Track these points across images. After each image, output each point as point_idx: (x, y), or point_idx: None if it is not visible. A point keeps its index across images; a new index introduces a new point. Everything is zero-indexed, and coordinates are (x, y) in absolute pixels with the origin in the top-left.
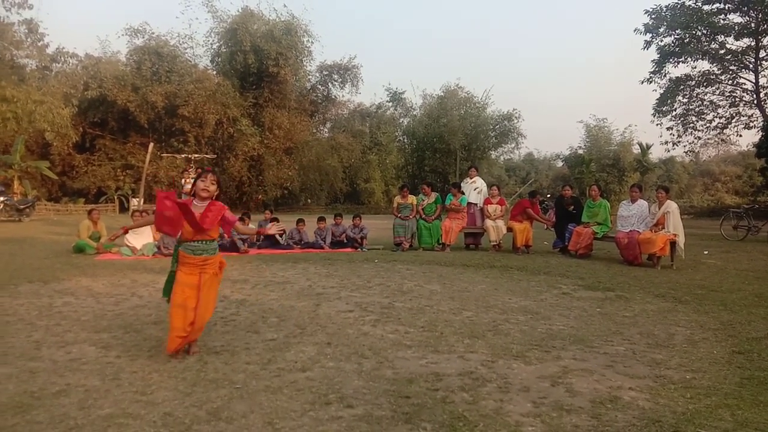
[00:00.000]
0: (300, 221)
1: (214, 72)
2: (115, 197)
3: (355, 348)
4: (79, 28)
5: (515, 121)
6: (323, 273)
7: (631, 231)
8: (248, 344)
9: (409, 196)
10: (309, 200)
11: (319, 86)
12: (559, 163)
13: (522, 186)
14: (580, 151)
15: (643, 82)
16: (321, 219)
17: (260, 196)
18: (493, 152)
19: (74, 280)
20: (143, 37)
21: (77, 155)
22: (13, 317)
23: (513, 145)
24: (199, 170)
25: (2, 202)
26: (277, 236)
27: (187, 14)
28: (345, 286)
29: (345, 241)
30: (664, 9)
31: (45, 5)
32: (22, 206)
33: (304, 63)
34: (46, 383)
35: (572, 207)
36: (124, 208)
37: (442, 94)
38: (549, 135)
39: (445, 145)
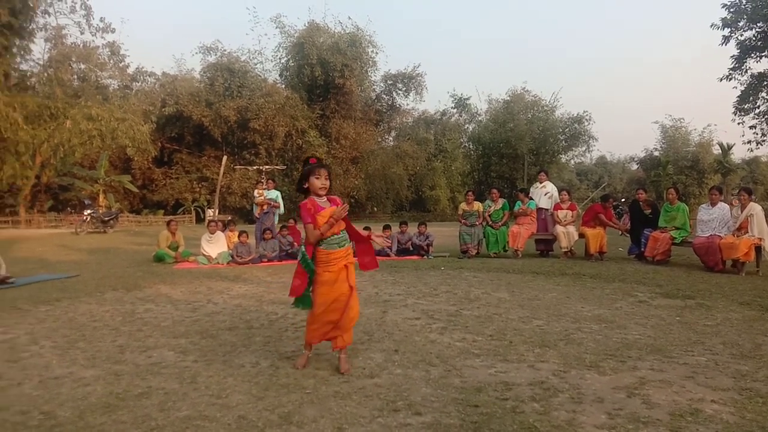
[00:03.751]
0: (366, 229)
1: (283, 86)
2: (192, 208)
3: (423, 355)
4: (156, 47)
5: (586, 123)
6: (389, 280)
7: (711, 236)
8: (318, 350)
9: (475, 202)
10: (375, 208)
11: (384, 95)
12: (634, 166)
13: (594, 190)
14: (656, 153)
15: (722, 80)
16: (386, 227)
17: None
18: (563, 156)
19: (154, 287)
20: (216, 54)
21: (156, 169)
22: (100, 323)
23: (584, 149)
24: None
25: (89, 214)
26: None
27: (256, 30)
28: (411, 293)
29: (411, 248)
30: (744, 1)
31: (126, 28)
32: (106, 218)
33: (369, 73)
34: (129, 385)
35: (649, 211)
36: (200, 219)
37: (508, 98)
38: (622, 137)
39: (512, 150)
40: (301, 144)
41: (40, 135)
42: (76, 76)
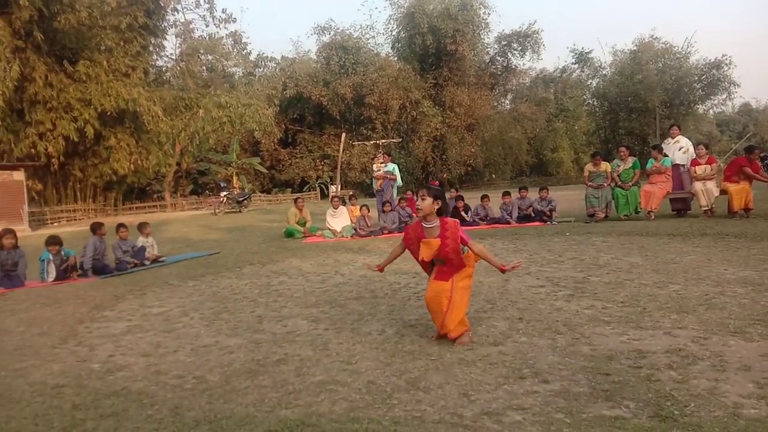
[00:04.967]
0: (484, 197)
1: (395, 58)
2: (316, 185)
3: (549, 323)
4: (275, 32)
5: (725, 68)
6: (511, 248)
7: None
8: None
9: (602, 163)
10: (493, 175)
11: (498, 57)
12: None
13: (738, 142)
14: None
15: None
16: (506, 193)
17: (445, 175)
18: (700, 106)
19: (286, 261)
20: (329, 34)
21: (282, 150)
22: (240, 295)
23: (724, 96)
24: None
25: (225, 196)
26: (462, 213)
27: (366, 5)
28: (535, 260)
29: (532, 214)
30: None
31: (246, 16)
32: (240, 199)
33: (482, 36)
34: (268, 352)
35: None
36: (324, 195)
37: (635, 48)
38: None
39: (641, 104)
40: (415, 115)
41: (178, 125)
42: (204, 68)
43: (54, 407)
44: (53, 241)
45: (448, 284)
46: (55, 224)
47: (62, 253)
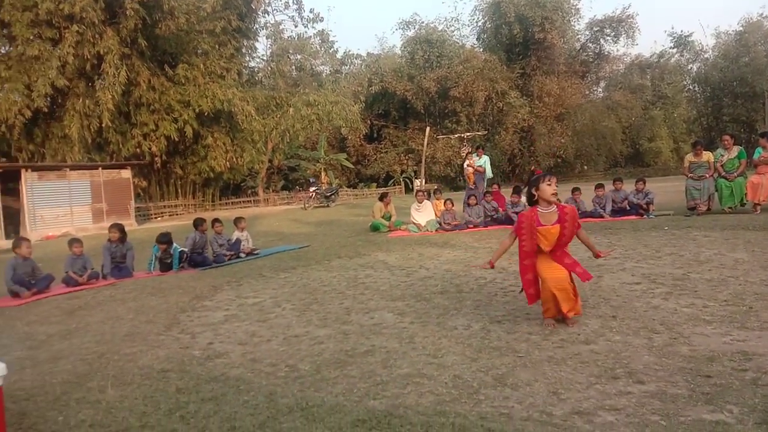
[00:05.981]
0: (575, 190)
1: (480, 49)
2: (401, 179)
3: (644, 322)
4: (360, 29)
5: None
6: (604, 243)
7: None
8: (529, 314)
9: (704, 153)
10: (585, 167)
11: (590, 44)
12: None
13: None
14: None
15: None
16: (599, 186)
17: (533, 167)
18: None
19: (372, 255)
20: (414, 28)
21: (367, 145)
22: (329, 287)
23: None
24: (533, 169)
25: (314, 191)
26: None
27: None
28: (630, 256)
29: (628, 208)
30: None
31: (333, 15)
32: (328, 194)
33: (572, 23)
34: (356, 344)
35: None
36: (408, 189)
37: (741, 29)
38: None
39: (748, 89)
40: (501, 106)
41: (270, 123)
42: (293, 67)
43: (160, 390)
44: (162, 239)
45: (566, 271)
46: (159, 219)
47: (170, 251)
